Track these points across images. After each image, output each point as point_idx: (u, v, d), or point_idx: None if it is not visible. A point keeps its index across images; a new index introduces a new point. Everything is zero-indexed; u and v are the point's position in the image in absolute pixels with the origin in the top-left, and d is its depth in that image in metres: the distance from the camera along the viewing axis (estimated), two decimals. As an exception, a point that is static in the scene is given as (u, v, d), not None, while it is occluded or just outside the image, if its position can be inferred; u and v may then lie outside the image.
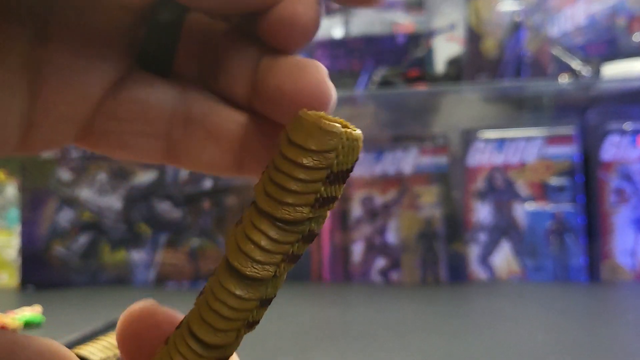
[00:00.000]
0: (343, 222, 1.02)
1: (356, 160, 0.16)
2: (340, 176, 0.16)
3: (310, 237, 0.17)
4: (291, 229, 0.16)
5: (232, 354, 0.17)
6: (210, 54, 0.21)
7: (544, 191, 0.96)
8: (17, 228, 1.07)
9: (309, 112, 0.16)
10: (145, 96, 0.20)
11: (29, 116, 0.19)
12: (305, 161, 0.15)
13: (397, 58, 1.04)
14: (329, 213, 0.17)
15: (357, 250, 1.00)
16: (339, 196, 0.17)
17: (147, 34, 0.20)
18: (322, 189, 0.16)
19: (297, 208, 0.16)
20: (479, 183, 0.98)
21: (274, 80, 0.18)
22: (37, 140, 0.19)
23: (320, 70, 0.18)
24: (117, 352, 0.42)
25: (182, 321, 0.17)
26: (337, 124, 0.16)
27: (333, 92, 0.19)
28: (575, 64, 0.95)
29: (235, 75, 0.20)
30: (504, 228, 0.97)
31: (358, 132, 0.16)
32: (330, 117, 0.16)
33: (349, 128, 0.16)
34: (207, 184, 1.02)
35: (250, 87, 0.20)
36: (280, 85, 0.18)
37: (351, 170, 0.16)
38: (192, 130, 0.20)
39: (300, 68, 0.18)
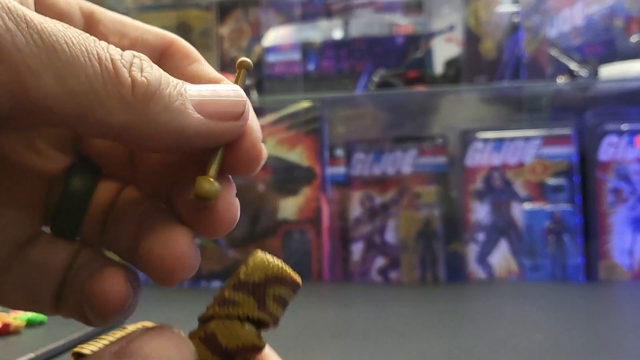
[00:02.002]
0: (343, 221, 1.03)
1: (264, 280, 0.19)
2: (246, 287, 0.19)
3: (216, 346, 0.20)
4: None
5: None
6: (108, 216, 0.23)
7: (541, 191, 0.97)
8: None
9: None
10: (50, 257, 0.22)
11: None
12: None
13: (396, 59, 1.04)
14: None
15: (357, 249, 1.00)
16: (246, 309, 0.20)
17: (59, 201, 0.22)
18: (227, 292, 0.19)
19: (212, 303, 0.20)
20: (478, 183, 0.99)
21: (147, 244, 0.20)
22: None
23: (187, 236, 0.20)
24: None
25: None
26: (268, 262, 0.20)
27: (197, 260, 0.21)
28: (573, 65, 0.95)
29: (119, 237, 0.22)
30: (502, 228, 0.98)
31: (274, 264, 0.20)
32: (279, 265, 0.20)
33: (281, 270, 0.20)
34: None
35: (129, 246, 0.22)
36: (150, 248, 0.20)
37: (259, 287, 0.20)
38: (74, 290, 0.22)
39: (170, 234, 0.20)
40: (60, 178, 0.22)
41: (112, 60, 0.17)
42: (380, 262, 0.99)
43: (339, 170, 1.04)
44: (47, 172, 0.22)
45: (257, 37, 1.10)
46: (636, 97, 0.98)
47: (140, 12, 1.16)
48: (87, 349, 0.52)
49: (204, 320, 0.19)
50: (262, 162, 0.21)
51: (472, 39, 1.02)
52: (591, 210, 0.96)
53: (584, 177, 0.96)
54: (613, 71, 0.93)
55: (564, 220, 0.95)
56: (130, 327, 0.20)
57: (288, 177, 1.03)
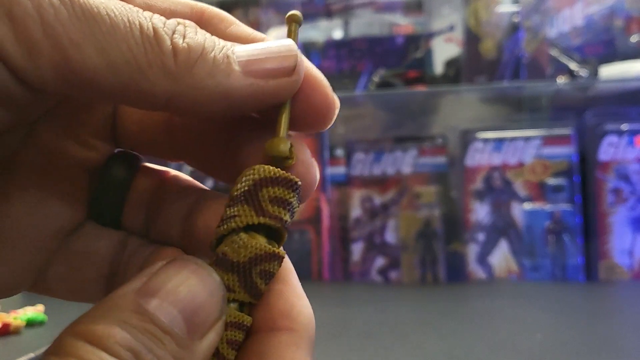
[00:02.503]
0: (343, 221, 1.03)
1: (253, 185, 0.18)
2: (239, 198, 0.18)
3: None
4: None
5: None
6: (151, 204, 0.23)
7: (541, 191, 0.97)
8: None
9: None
10: (95, 246, 0.22)
11: None
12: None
13: (396, 59, 1.04)
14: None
15: (357, 249, 1.00)
16: (244, 218, 0.18)
17: (99, 190, 0.22)
18: (225, 210, 0.19)
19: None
20: (478, 183, 0.99)
21: (204, 221, 0.21)
22: None
23: None
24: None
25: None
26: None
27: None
28: (573, 65, 0.95)
29: (170, 221, 0.22)
30: (502, 228, 0.98)
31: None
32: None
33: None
34: (209, 183, 1.03)
35: (182, 229, 0.22)
36: (209, 225, 0.20)
37: (251, 193, 0.18)
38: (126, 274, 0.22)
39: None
40: (100, 169, 0.22)
41: (154, 28, 0.17)
42: (380, 262, 0.99)
43: (339, 170, 1.04)
44: (89, 162, 0.22)
45: (257, 37, 1.10)
46: (636, 97, 0.98)
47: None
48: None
49: (213, 247, 0.18)
50: (336, 114, 0.20)
51: (472, 39, 1.02)
52: (591, 210, 0.96)
53: (584, 177, 0.96)
54: (613, 71, 0.93)
55: (564, 220, 0.95)
56: None
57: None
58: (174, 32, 0.17)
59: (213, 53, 0.17)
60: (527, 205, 0.97)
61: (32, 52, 0.15)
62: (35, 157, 0.21)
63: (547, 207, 0.96)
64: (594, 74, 0.94)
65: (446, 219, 0.99)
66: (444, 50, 1.05)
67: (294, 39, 0.20)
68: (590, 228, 0.96)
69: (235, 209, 0.18)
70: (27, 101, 0.17)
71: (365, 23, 1.07)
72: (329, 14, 1.09)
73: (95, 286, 0.22)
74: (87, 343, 0.14)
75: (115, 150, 0.23)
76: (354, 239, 1.01)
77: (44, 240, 0.21)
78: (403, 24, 1.06)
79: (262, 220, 0.18)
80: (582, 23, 0.99)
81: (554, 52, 0.98)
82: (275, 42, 0.19)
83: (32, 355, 0.52)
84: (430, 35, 1.06)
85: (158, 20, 0.17)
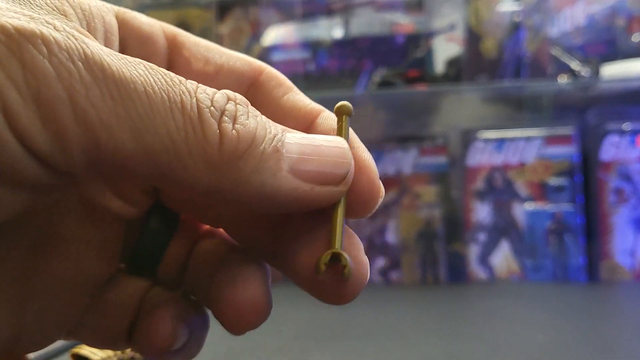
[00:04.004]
0: (343, 222, 1.02)
1: None
2: None
3: None
4: None
5: None
6: (185, 262, 0.22)
7: (543, 191, 0.96)
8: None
9: None
10: (124, 295, 0.21)
11: (18, 324, 0.19)
12: None
13: (396, 58, 1.04)
14: None
15: (357, 250, 1.00)
16: None
17: (140, 242, 0.21)
18: None
19: None
20: (479, 183, 0.99)
21: (217, 288, 0.20)
22: (25, 342, 0.19)
23: (261, 281, 0.19)
24: (118, 351, 0.42)
25: None
26: None
27: (268, 306, 0.19)
28: (575, 65, 0.95)
29: (198, 283, 0.21)
30: (503, 228, 0.97)
31: None
32: None
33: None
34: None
35: (207, 294, 0.21)
36: (220, 293, 0.19)
37: None
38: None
39: (242, 278, 0.19)
40: (140, 220, 0.21)
41: (198, 108, 0.15)
42: (380, 262, 0.99)
43: (339, 170, 1.03)
44: (128, 215, 0.21)
45: (257, 36, 1.10)
46: (638, 97, 0.98)
47: (139, 11, 1.15)
48: (87, 349, 0.52)
49: None
50: (380, 202, 0.19)
51: (473, 38, 1.02)
52: (593, 210, 0.95)
53: (585, 177, 0.96)
54: (615, 70, 0.92)
55: (566, 221, 0.95)
56: None
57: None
58: (223, 114, 0.15)
59: (263, 145, 0.16)
60: (529, 205, 0.97)
61: (60, 138, 0.14)
62: (75, 210, 0.20)
63: (549, 207, 0.96)
64: (596, 73, 0.94)
65: (447, 219, 0.99)
66: (445, 50, 1.05)
67: (344, 136, 0.19)
68: (592, 228, 0.95)
69: None
70: (55, 181, 0.15)
71: (366, 22, 1.07)
72: (329, 12, 1.09)
73: (122, 334, 0.21)
74: None
75: (156, 202, 0.22)
76: (354, 239, 1.00)
77: (79, 294, 0.20)
78: (404, 23, 1.06)
79: None
80: (583, 22, 0.99)
81: (556, 52, 0.98)
82: (327, 140, 0.17)
83: (31, 355, 0.51)
84: (431, 35, 1.05)
85: (204, 97, 0.15)
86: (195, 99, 0.15)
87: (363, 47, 1.05)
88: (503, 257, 0.97)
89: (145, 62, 0.15)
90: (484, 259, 0.97)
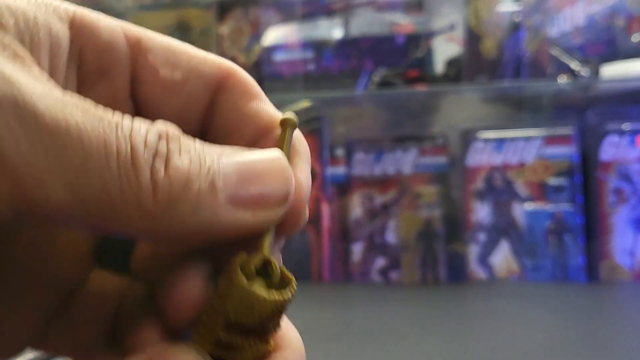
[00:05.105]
0: (343, 222, 1.02)
1: (264, 322, 0.17)
2: (241, 328, 0.17)
3: None
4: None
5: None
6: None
7: (543, 191, 0.96)
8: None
9: (244, 258, 0.17)
10: (97, 300, 0.20)
11: None
12: (213, 300, 0.17)
13: (396, 58, 1.04)
14: None
15: (357, 250, 1.00)
16: (249, 349, 0.17)
17: (105, 237, 0.20)
18: (221, 333, 0.17)
19: (204, 341, 0.17)
20: (479, 183, 0.99)
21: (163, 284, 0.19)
22: None
23: (199, 277, 0.18)
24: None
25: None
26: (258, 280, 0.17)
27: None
28: (574, 65, 0.95)
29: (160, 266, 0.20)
30: (503, 228, 0.97)
31: (266, 296, 0.16)
32: (274, 266, 0.17)
33: (282, 277, 0.17)
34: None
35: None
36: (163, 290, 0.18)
37: (262, 330, 0.17)
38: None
39: (183, 274, 0.18)
40: None
41: (132, 154, 0.14)
42: (380, 262, 0.99)
43: (339, 170, 1.03)
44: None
45: (257, 36, 1.10)
46: (637, 97, 0.98)
47: (139, 12, 1.16)
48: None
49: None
50: (302, 226, 0.19)
51: (472, 38, 1.02)
52: (592, 210, 0.95)
53: (585, 177, 0.96)
54: (614, 71, 0.92)
55: (565, 221, 0.95)
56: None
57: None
58: (155, 156, 0.15)
59: (198, 184, 0.15)
60: (528, 206, 0.97)
61: None
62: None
63: (548, 207, 0.96)
64: (595, 73, 0.94)
65: (447, 219, 0.99)
66: (445, 50, 1.05)
67: (286, 150, 0.18)
68: (592, 228, 0.95)
69: (237, 338, 0.17)
70: None
71: (366, 22, 1.07)
72: (329, 13, 1.09)
73: (99, 340, 0.20)
74: None
75: None
76: (354, 239, 1.01)
77: (45, 294, 0.19)
78: (404, 23, 1.06)
79: (265, 346, 0.17)
80: (583, 22, 0.99)
81: (555, 52, 0.98)
82: (267, 157, 0.17)
83: (31, 355, 0.51)
84: (430, 35, 1.05)
85: (139, 140, 0.15)
86: (129, 144, 0.14)
87: (363, 47, 1.05)
88: (503, 257, 0.97)
89: (84, 102, 0.15)
90: (483, 259, 0.97)
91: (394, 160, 1.01)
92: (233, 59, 0.24)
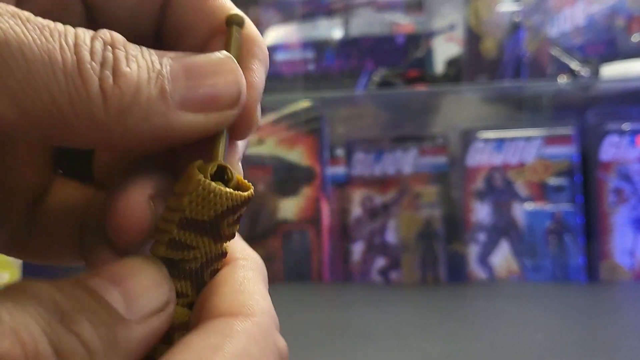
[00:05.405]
0: (343, 222, 1.02)
1: (219, 218, 0.17)
2: (196, 226, 0.16)
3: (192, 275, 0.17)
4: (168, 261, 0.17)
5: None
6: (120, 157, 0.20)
7: (543, 191, 0.96)
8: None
9: (205, 164, 0.17)
10: (64, 204, 0.20)
11: None
12: (168, 202, 0.17)
13: (396, 59, 1.04)
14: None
15: (357, 250, 1.00)
16: (203, 250, 0.17)
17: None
18: (175, 230, 0.16)
19: (157, 243, 0.17)
20: (479, 183, 0.99)
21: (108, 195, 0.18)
22: None
23: (143, 192, 0.18)
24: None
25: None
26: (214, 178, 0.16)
27: (148, 220, 0.18)
28: (574, 65, 0.95)
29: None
30: (503, 228, 0.97)
31: (222, 188, 0.16)
32: (228, 171, 0.17)
33: (239, 185, 0.17)
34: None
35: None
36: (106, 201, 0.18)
37: (216, 229, 0.17)
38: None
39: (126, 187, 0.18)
40: None
41: (79, 65, 0.14)
42: (380, 262, 0.99)
43: (339, 170, 1.03)
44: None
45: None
46: (637, 97, 0.98)
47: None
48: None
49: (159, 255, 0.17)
50: (255, 129, 0.18)
51: (472, 38, 1.02)
52: (592, 210, 0.95)
53: (585, 177, 0.96)
54: (614, 71, 0.92)
55: (565, 221, 0.95)
56: None
57: (288, 177, 1.03)
58: (102, 65, 0.14)
59: (148, 90, 0.15)
60: (528, 206, 0.97)
61: None
62: None
63: (548, 207, 0.96)
64: (595, 73, 0.94)
65: (447, 219, 0.99)
66: (445, 50, 1.05)
67: (234, 51, 0.17)
68: (592, 228, 0.95)
69: (192, 236, 0.17)
70: None
71: (366, 22, 1.07)
72: (329, 13, 1.09)
73: (71, 245, 0.20)
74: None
75: None
76: (354, 239, 1.01)
77: (12, 203, 0.19)
78: (404, 23, 1.06)
79: (219, 248, 0.17)
80: (583, 22, 0.99)
81: (555, 52, 0.98)
82: (213, 58, 0.17)
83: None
84: (430, 35, 1.05)
85: (84, 49, 0.14)
86: (75, 54, 0.14)
87: (363, 47, 1.05)
88: (503, 257, 0.97)
89: (21, 12, 0.14)
90: (483, 259, 0.97)
91: (394, 160, 1.01)
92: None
